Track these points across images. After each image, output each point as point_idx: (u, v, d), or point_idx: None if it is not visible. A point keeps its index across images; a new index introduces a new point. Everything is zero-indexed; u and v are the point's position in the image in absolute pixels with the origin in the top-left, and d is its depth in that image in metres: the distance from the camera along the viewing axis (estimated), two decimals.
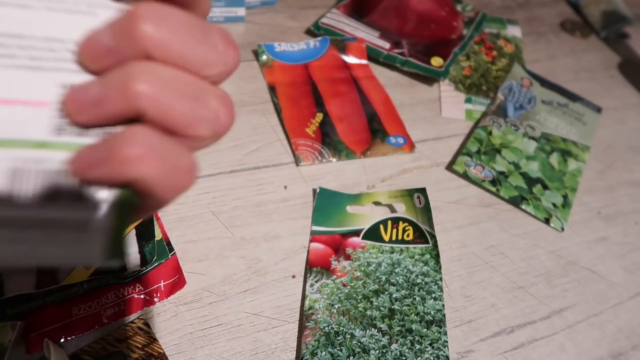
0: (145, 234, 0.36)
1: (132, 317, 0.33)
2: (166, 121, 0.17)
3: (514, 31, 0.67)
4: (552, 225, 0.46)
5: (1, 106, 0.16)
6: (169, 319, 0.34)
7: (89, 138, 0.17)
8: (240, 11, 0.58)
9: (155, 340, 0.32)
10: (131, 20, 0.16)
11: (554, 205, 0.47)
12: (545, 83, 0.60)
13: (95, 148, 0.16)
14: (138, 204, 0.17)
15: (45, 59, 0.17)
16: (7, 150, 0.16)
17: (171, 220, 0.39)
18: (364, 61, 0.56)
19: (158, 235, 0.36)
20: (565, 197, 0.48)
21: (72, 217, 0.16)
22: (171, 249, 0.36)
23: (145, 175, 0.16)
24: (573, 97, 0.59)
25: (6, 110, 0.16)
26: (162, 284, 0.34)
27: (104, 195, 0.16)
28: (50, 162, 0.16)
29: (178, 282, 0.35)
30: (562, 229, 0.46)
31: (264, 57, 0.54)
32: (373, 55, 0.57)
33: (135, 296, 0.33)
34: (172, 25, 0.16)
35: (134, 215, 0.18)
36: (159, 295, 0.34)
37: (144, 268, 0.34)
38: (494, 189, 0.47)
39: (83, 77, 0.17)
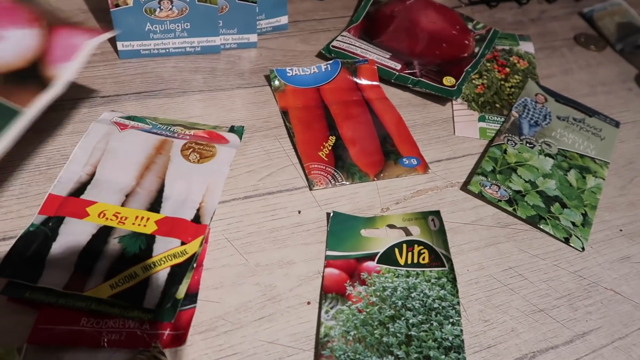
0: (176, 277, 0.36)
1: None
2: None
3: (526, 47, 0.67)
4: (572, 244, 0.45)
5: None
6: (184, 348, 0.34)
7: None
8: (253, 37, 0.59)
9: None
10: None
11: (574, 224, 0.46)
12: (560, 98, 0.59)
13: None
14: None
15: None
16: None
17: None
18: (376, 83, 0.56)
19: (181, 294, 0.35)
20: (584, 215, 0.47)
21: None
22: (193, 301, 0.36)
23: None
24: (590, 112, 0.59)
25: None
26: (167, 332, 0.34)
27: None
28: None
29: (181, 337, 0.34)
30: (583, 248, 0.45)
31: (276, 82, 0.54)
32: (384, 76, 0.57)
33: (138, 332, 0.33)
34: None
35: None
36: (158, 341, 0.33)
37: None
38: (510, 209, 0.46)
39: None
